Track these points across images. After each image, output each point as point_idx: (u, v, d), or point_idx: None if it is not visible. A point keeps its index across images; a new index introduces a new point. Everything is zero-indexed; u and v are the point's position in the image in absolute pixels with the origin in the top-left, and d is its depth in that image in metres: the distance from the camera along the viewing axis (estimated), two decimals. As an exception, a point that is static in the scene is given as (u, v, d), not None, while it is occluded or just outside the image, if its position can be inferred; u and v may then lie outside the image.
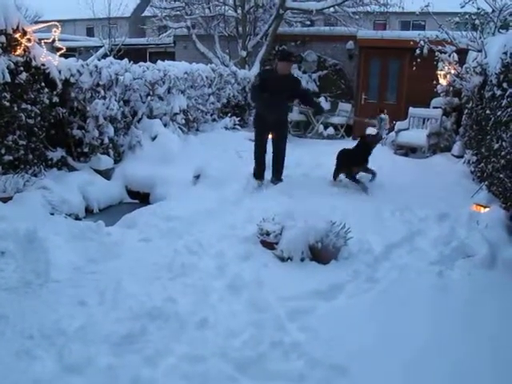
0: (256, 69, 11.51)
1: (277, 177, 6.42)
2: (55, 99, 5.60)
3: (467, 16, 8.19)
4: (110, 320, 3.01)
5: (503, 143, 4.72)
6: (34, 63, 5.27)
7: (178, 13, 13.54)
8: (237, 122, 9.32)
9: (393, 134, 9.36)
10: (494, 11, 7.70)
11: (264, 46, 11.98)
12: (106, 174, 6.09)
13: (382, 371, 2.60)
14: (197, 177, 6.39)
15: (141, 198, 6.10)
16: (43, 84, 5.39)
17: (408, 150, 9.20)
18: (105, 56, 11.01)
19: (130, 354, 2.71)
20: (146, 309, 3.13)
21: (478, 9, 7.73)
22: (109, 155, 6.26)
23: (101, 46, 15.15)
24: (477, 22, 7.93)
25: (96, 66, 6.12)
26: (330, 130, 11.61)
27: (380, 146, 8.20)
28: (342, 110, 11.87)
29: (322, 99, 11.85)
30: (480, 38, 7.63)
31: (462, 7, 7.81)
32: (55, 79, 5.56)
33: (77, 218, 5.08)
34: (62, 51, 5.71)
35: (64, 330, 2.86)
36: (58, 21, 5.92)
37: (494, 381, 2.51)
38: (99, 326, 2.93)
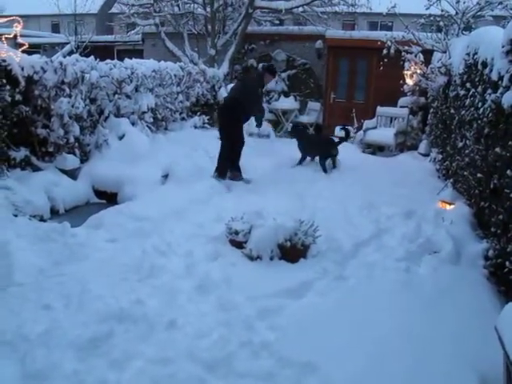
0: (225, 67, 11.46)
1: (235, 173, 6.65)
2: (18, 97, 5.43)
3: (432, 18, 8.36)
4: (75, 324, 2.94)
5: (467, 142, 4.83)
6: (-7, 59, 5.10)
7: (147, 10, 13.33)
8: (206, 121, 9.26)
9: (361, 132, 9.49)
10: (457, 13, 7.89)
11: (233, 45, 11.94)
12: (72, 174, 5.95)
13: (351, 367, 2.63)
14: (165, 176, 6.32)
15: (108, 197, 6.00)
16: (4, 81, 5.21)
17: (376, 149, 9.34)
18: (71, 53, 10.76)
19: (95, 358, 2.66)
20: (113, 311, 3.08)
21: (442, 11, 7.91)
22: (75, 154, 6.12)
23: (67, 43, 14.83)
24: (441, 23, 8.11)
25: (61, 63, 5.97)
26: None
27: (349, 144, 8.33)
28: (311, 109, 11.95)
29: (291, 98, 11.91)
30: (444, 39, 7.80)
31: (427, 9, 7.97)
32: (17, 76, 5.39)
33: (41, 220, 4.95)
34: (25, 47, 5.55)
35: (27, 336, 2.78)
36: (21, 16, 5.76)
37: (452, 376, 2.56)
38: (64, 331, 2.86)
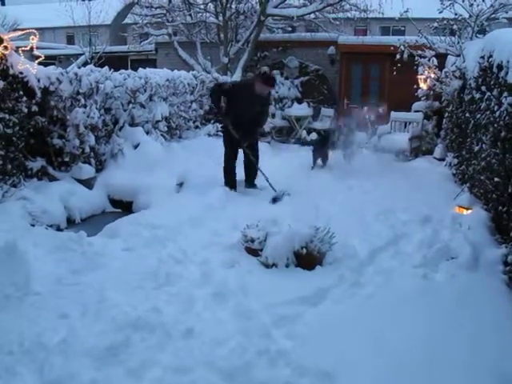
0: (238, 75, 11.52)
1: (250, 183, 6.47)
2: (34, 108, 5.51)
3: (445, 21, 8.32)
4: (92, 332, 2.95)
5: (483, 145, 4.78)
6: (11, 71, 5.17)
7: (160, 20, 13.49)
8: (219, 129, 9.29)
9: (375, 137, 9.43)
10: (470, 16, 7.84)
11: (246, 53, 12.00)
12: (88, 184, 6.01)
13: (368, 376, 2.59)
14: (180, 184, 6.35)
15: (124, 206, 6.04)
16: (21, 92, 5.29)
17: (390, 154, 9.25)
18: (85, 64, 10.90)
19: (113, 366, 2.66)
20: (130, 319, 3.08)
21: (456, 14, 7.86)
22: (90, 164, 6.18)
23: (81, 54, 15.04)
24: (455, 27, 8.06)
25: (76, 74, 6.06)
26: (314, 135, 11.65)
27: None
28: (324, 115, 11.92)
29: (304, 105, 11.90)
30: (458, 42, 7.75)
31: (440, 13, 7.93)
32: (34, 87, 5.47)
33: (58, 229, 5.00)
34: (41, 59, 5.63)
35: (45, 345, 2.79)
36: (37, 29, 5.84)
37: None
38: (81, 339, 2.87)
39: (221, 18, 12.18)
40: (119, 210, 5.98)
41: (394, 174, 7.37)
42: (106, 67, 6.89)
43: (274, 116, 11.50)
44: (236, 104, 6.12)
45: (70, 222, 5.33)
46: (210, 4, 12.68)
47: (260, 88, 6.08)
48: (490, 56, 4.83)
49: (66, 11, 17.30)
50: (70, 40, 24.55)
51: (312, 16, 12.48)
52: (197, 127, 9.19)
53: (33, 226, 4.64)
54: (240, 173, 6.48)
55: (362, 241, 4.47)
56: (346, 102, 11.79)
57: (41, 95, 5.60)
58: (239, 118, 6.11)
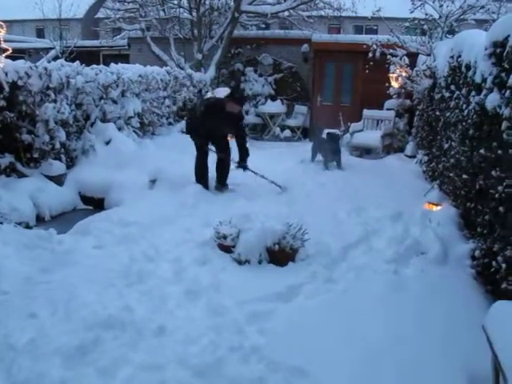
0: (212, 71, 11.47)
1: (221, 183, 6.47)
2: (2, 103, 5.35)
3: (416, 21, 8.47)
4: (62, 331, 2.90)
5: (452, 143, 4.88)
6: (-24, 65, 5.03)
7: (132, 15, 13.31)
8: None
9: (348, 135, 9.54)
10: (440, 17, 8.00)
11: (220, 49, 11.95)
12: (58, 180, 5.88)
13: (341, 370, 2.63)
14: (153, 181, 6.29)
15: (95, 203, 5.93)
16: (-12, 87, 5.15)
17: (363, 151, 9.39)
18: (56, 58, 10.66)
19: (83, 366, 2.62)
20: (101, 318, 3.04)
21: (426, 15, 8.01)
22: (61, 160, 6.05)
23: (52, 48, 14.69)
24: (425, 27, 8.22)
25: (46, 69, 5.91)
26: (287, 133, 11.71)
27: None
28: (298, 112, 11.99)
29: (278, 102, 11.94)
30: (429, 42, 7.91)
31: (411, 12, 8.07)
32: (1, 82, 5.31)
33: (27, 227, 4.88)
34: (9, 52, 5.48)
35: (13, 345, 2.73)
36: (4, 21, 5.68)
37: (442, 378, 2.57)
38: (51, 339, 2.82)
39: (194, 14, 12.08)
40: (91, 207, 5.88)
41: (366, 171, 7.47)
42: (77, 62, 6.75)
43: (247, 113, 11.49)
44: (209, 122, 6.15)
45: (40, 220, 5.21)
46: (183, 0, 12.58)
47: (231, 107, 6.18)
48: (459, 56, 4.94)
49: (35, 3, 16.89)
50: (40, 33, 23.93)
51: (286, 13, 12.51)
52: (170, 124, 9.10)
53: (1, 223, 4.52)
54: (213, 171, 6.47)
55: (334, 237, 4.51)
56: (318, 99, 11.87)
57: (9, 90, 5.44)
58: (211, 133, 6.22)
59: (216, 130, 6.21)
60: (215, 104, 6.39)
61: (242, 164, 6.41)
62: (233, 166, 6.45)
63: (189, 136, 6.43)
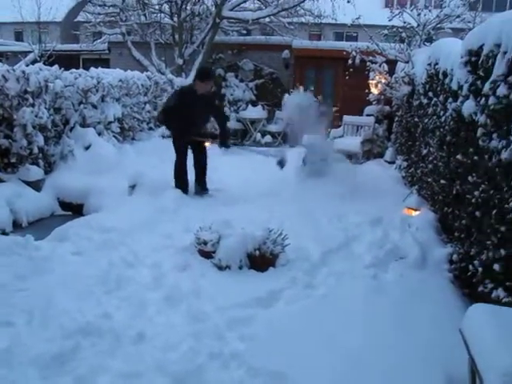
0: (193, 77, 11.45)
1: (201, 187, 6.46)
2: (-23, 107, 5.27)
3: (395, 29, 8.61)
4: (38, 340, 2.84)
5: (430, 149, 4.96)
6: (-48, 68, 4.93)
7: (113, 19, 13.27)
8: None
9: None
10: (418, 25, 8.15)
11: (201, 55, 11.96)
12: (36, 186, 5.79)
13: (321, 376, 2.63)
14: (132, 187, 6.23)
15: (74, 209, 5.85)
16: (-36, 90, 5.06)
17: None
18: (34, 62, 10.53)
19: (61, 375, 2.57)
20: (79, 325, 2.99)
21: (405, 23, 8.15)
22: (38, 165, 5.96)
23: (30, 52, 14.51)
24: (404, 34, 8.36)
25: (23, 72, 5.82)
26: (268, 138, 11.75)
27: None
28: (278, 118, 12.04)
29: (259, 107, 11.98)
30: (407, 49, 8.03)
31: (390, 20, 8.21)
32: (-23, 85, 5.24)
33: (3, 233, 4.79)
34: (-15, 56, 5.40)
35: (-13, 354, 2.67)
36: (-19, 24, 5.60)
37: (422, 381, 2.59)
38: (27, 348, 2.76)
39: (176, 19, 12.09)
40: (69, 213, 5.79)
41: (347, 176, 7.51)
42: (56, 66, 6.68)
43: (228, 119, 11.50)
44: (187, 113, 6.03)
45: (17, 226, 5.12)
46: (164, 5, 12.55)
47: (200, 88, 6.06)
48: (436, 64, 5.03)
49: (13, 6, 16.66)
50: (19, 36, 23.62)
51: (267, 20, 12.61)
52: (150, 129, 9.07)
53: (-25, 230, 4.44)
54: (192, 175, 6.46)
55: (314, 243, 4.52)
56: (300, 105, 11.93)
57: (-15, 93, 5.36)
58: (192, 124, 6.14)
59: (196, 117, 6.10)
60: (186, 92, 6.31)
61: (225, 143, 6.42)
62: (217, 146, 6.47)
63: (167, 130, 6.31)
